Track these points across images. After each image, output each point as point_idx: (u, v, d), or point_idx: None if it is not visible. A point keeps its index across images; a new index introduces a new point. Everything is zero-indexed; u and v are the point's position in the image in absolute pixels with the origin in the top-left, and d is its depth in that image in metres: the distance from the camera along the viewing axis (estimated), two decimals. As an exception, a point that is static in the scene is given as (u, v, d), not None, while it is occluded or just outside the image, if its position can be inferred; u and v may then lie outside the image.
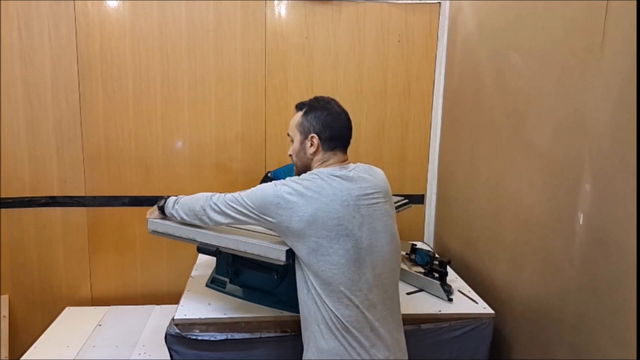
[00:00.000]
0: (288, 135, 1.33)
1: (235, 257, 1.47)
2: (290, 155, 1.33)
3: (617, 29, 1.08)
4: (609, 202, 1.10)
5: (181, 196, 1.43)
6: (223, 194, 1.30)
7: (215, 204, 1.27)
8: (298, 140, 1.29)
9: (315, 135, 1.25)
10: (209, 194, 1.32)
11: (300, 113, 1.29)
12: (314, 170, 1.23)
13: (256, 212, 1.20)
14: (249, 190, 1.25)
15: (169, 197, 1.46)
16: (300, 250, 1.18)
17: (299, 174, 1.28)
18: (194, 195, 1.38)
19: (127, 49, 2.17)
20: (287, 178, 1.23)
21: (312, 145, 1.25)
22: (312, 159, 1.27)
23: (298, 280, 1.23)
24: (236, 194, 1.26)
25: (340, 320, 1.14)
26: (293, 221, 1.15)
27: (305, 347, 1.23)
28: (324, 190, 1.16)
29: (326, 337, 1.15)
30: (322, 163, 1.26)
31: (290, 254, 1.24)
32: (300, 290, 1.22)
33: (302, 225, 1.14)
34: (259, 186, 1.25)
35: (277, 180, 1.25)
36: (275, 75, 2.27)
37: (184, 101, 2.25)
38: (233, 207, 1.24)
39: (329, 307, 1.14)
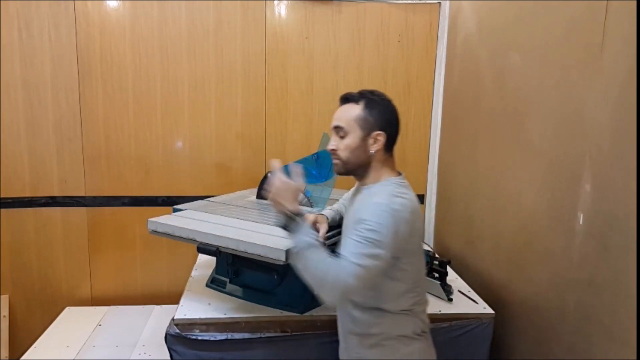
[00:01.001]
0: (338, 128, 1.14)
1: (235, 257, 1.47)
2: (334, 150, 1.15)
3: (617, 29, 1.08)
4: (609, 202, 1.10)
5: (307, 245, 1.03)
6: (349, 256, 1.00)
7: (357, 275, 0.99)
8: (358, 137, 1.13)
9: (381, 132, 1.14)
10: (337, 262, 1.00)
11: (358, 106, 1.14)
12: (399, 182, 1.14)
13: (393, 245, 1.03)
14: (365, 229, 1.02)
15: (302, 225, 1.06)
16: (412, 266, 1.14)
17: (345, 172, 1.17)
18: (319, 259, 1.01)
19: (127, 49, 2.17)
20: (387, 192, 1.09)
21: (375, 142, 1.13)
22: (373, 158, 1.15)
23: (389, 301, 1.13)
24: (355, 243, 1.01)
25: (424, 323, 1.21)
26: (413, 240, 1.13)
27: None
28: (416, 204, 1.14)
29: (407, 343, 1.16)
30: (383, 165, 1.17)
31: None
32: (391, 308, 1.14)
33: (418, 241, 1.18)
34: (372, 216, 1.03)
35: None
36: (275, 75, 2.27)
37: (184, 101, 2.25)
38: (369, 254, 1.00)
39: (417, 315, 1.18)
